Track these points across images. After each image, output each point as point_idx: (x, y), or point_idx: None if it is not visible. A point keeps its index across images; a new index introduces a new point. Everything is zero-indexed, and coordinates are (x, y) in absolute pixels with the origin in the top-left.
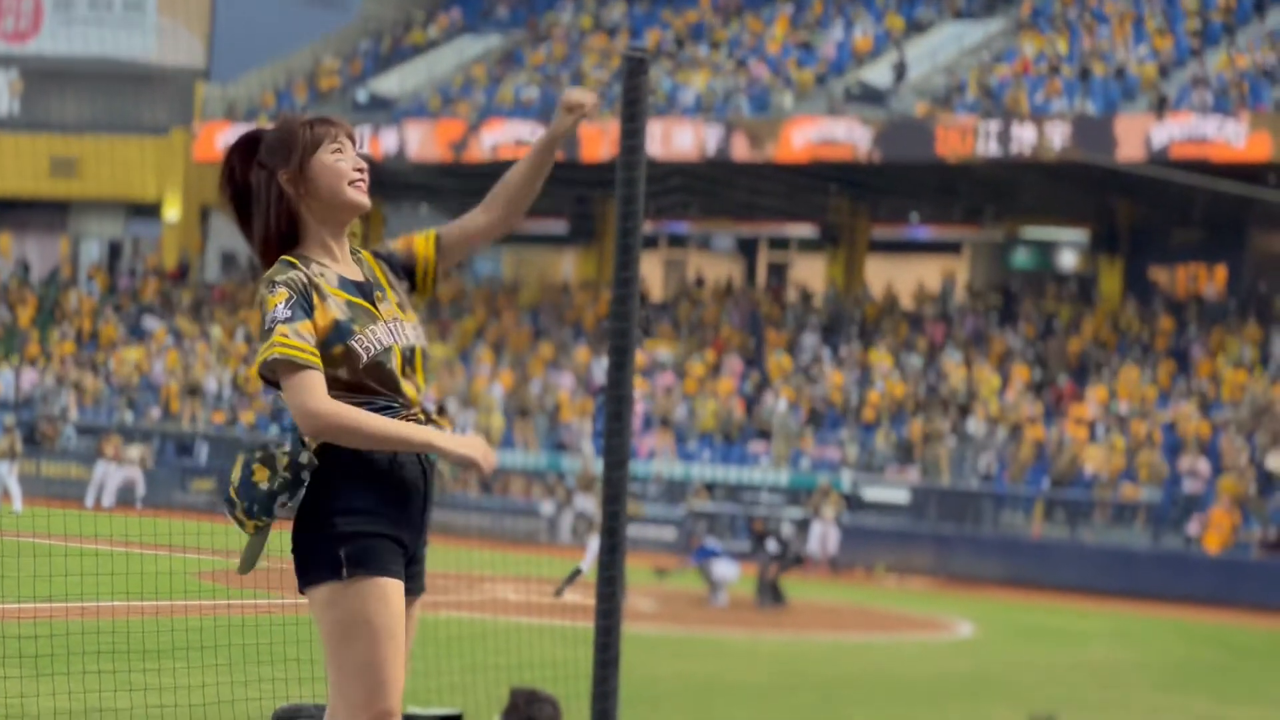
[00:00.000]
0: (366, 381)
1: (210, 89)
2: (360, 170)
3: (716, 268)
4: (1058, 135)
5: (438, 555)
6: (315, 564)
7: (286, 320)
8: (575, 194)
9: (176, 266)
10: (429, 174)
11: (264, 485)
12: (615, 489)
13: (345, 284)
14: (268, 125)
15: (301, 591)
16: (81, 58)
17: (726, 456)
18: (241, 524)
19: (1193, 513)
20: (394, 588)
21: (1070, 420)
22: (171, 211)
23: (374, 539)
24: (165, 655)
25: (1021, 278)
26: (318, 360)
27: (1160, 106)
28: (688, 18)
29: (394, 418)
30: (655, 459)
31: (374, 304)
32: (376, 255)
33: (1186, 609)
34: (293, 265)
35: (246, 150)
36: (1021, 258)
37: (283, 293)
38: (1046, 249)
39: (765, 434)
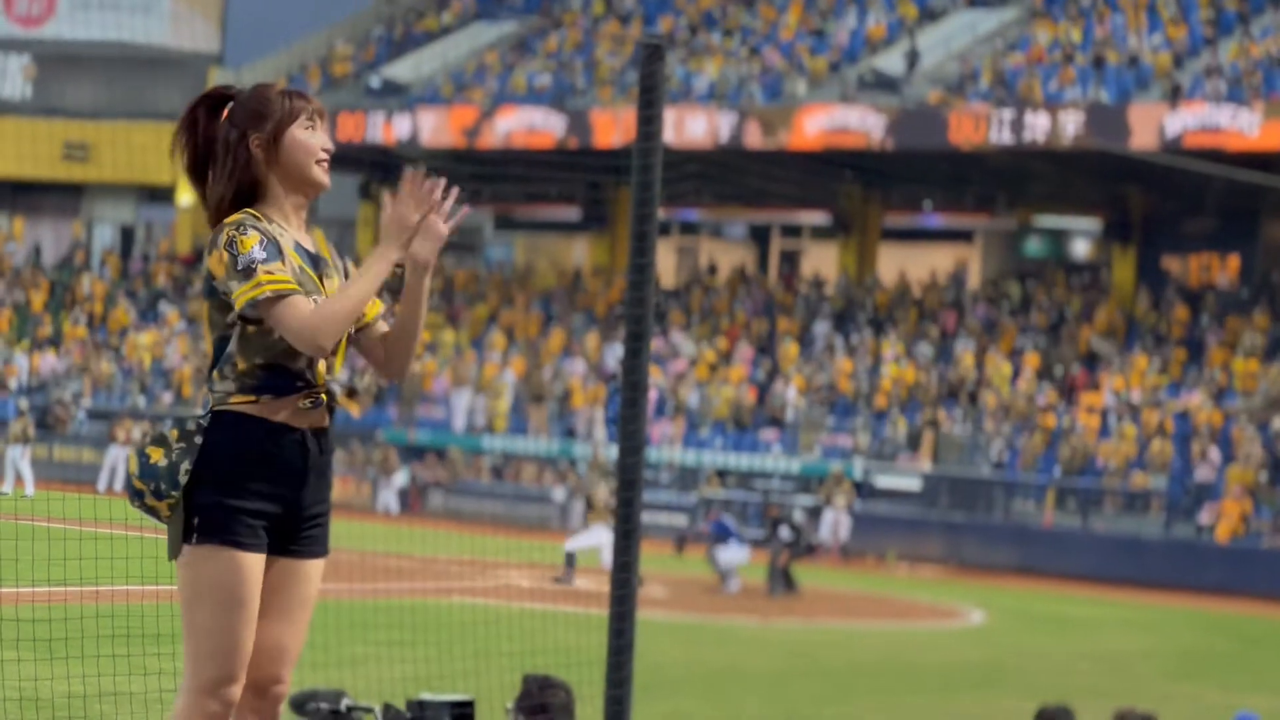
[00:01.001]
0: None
1: (224, 74)
2: (327, 150)
3: (729, 255)
4: (1071, 124)
5: (450, 542)
6: (175, 531)
7: (264, 261)
8: (588, 180)
9: (189, 251)
10: (442, 160)
11: (163, 462)
12: (630, 475)
13: (300, 250)
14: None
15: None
16: (95, 42)
17: (738, 444)
18: (155, 511)
19: (1204, 502)
20: (245, 559)
21: (1082, 409)
22: (185, 196)
23: (230, 511)
24: (178, 639)
25: (1034, 266)
26: (296, 286)
27: (1174, 95)
28: (701, 4)
29: (293, 394)
30: (667, 446)
31: (320, 278)
32: (328, 240)
33: (1198, 598)
34: (256, 219)
35: (214, 106)
36: (1034, 246)
37: (255, 235)
38: (1059, 237)
39: (776, 421)
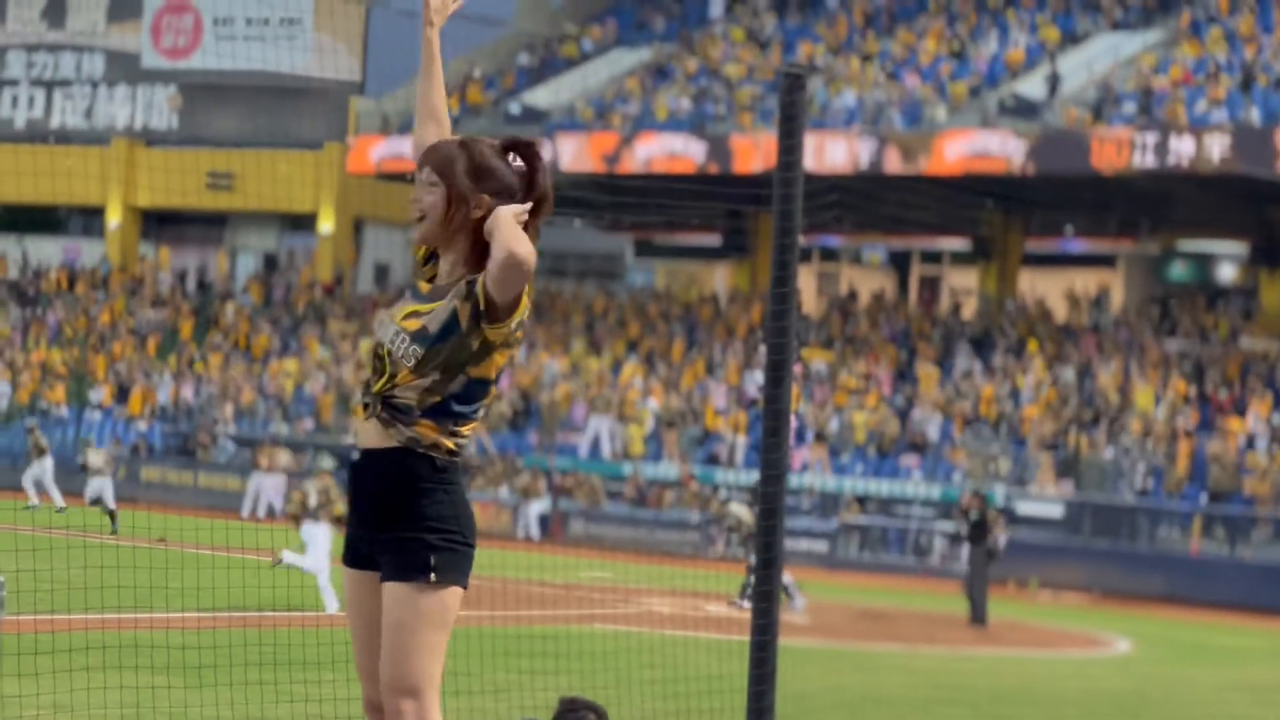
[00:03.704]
0: None
1: (364, 103)
2: (413, 202)
3: (869, 281)
4: (1217, 147)
5: (590, 569)
6: None
7: None
8: (728, 208)
9: (331, 278)
10: (582, 186)
11: None
12: (772, 503)
13: (413, 293)
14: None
15: None
16: (239, 72)
17: (879, 469)
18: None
19: None
20: (347, 577)
21: (1229, 434)
22: (326, 224)
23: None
24: (325, 666)
25: (1178, 290)
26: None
27: None
28: (840, 30)
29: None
30: (808, 471)
31: (405, 299)
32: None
33: None
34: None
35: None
36: (1178, 270)
37: None
38: (1204, 262)
39: (917, 447)
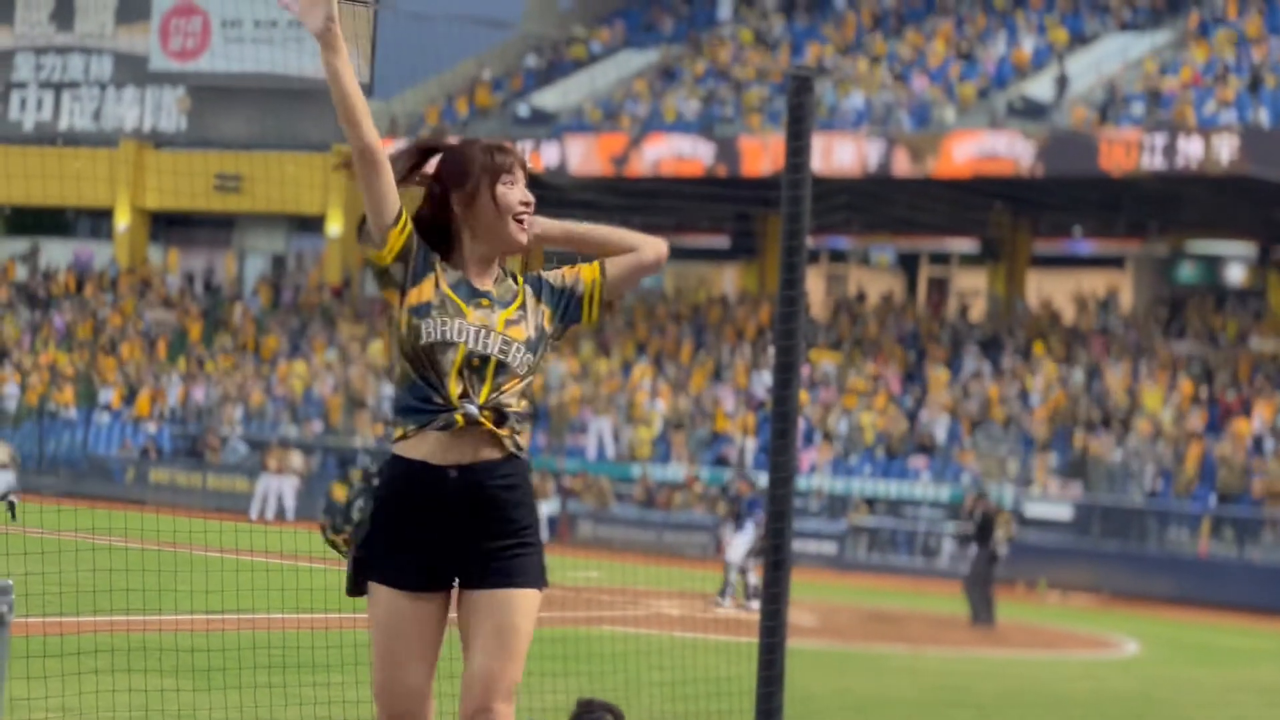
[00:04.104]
0: (420, 358)
1: (373, 104)
2: (526, 205)
3: (877, 283)
4: (1225, 148)
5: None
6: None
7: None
8: (736, 209)
9: (339, 281)
10: (590, 188)
11: (340, 499)
12: (780, 505)
13: (459, 285)
14: (444, 137)
15: None
16: (247, 74)
17: (887, 471)
18: (335, 545)
19: None
20: (386, 593)
21: (1238, 435)
22: (334, 226)
23: (381, 547)
24: (333, 669)
25: (1187, 292)
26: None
27: None
28: (848, 32)
29: (432, 411)
30: (816, 473)
31: (469, 306)
32: (526, 278)
33: None
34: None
35: (425, 155)
36: (1187, 272)
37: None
38: (1213, 263)
39: (925, 448)
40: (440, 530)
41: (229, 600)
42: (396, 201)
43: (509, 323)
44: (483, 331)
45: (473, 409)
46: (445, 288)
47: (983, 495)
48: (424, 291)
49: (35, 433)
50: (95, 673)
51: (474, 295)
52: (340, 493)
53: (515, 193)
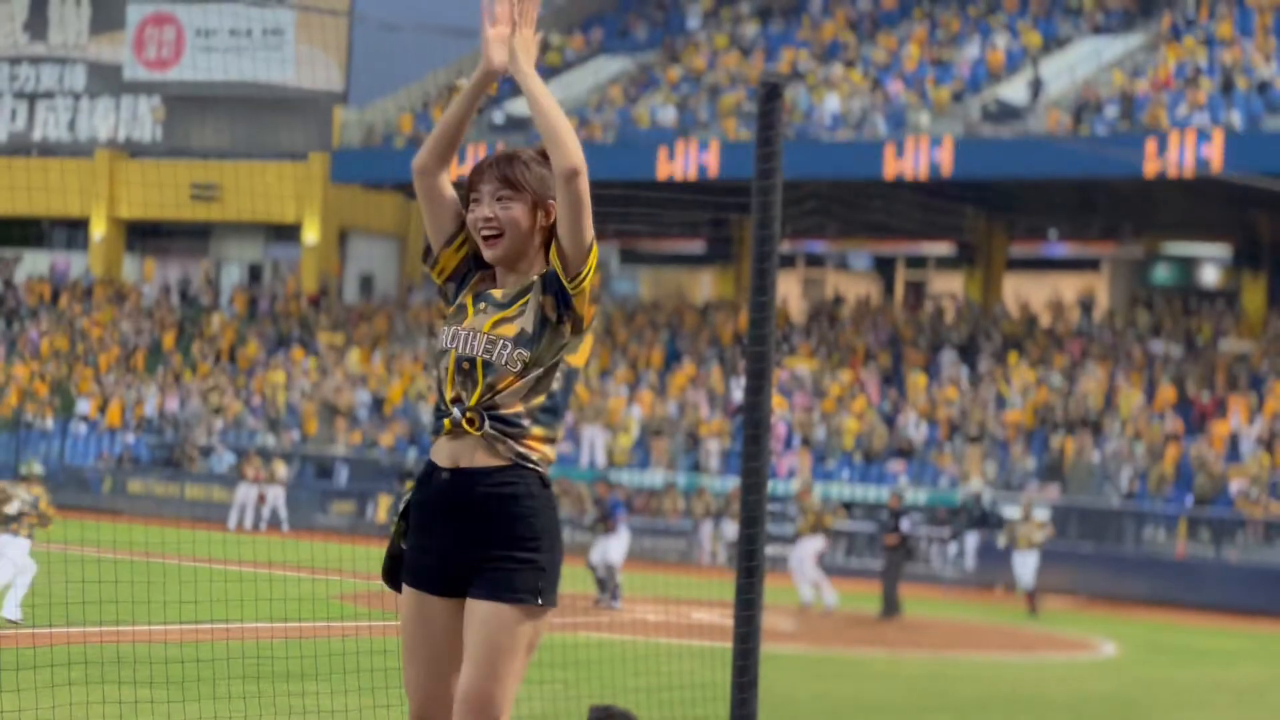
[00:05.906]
0: (436, 365)
1: (348, 113)
2: (485, 221)
3: (854, 286)
4: (1199, 150)
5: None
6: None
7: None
8: (711, 215)
9: (316, 289)
10: None
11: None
12: (753, 511)
13: (481, 295)
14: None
15: None
16: (221, 83)
17: (865, 475)
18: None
19: None
20: (405, 591)
21: (1214, 437)
22: (310, 234)
23: (407, 546)
24: (309, 678)
25: (1162, 294)
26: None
27: None
28: (822, 36)
29: (439, 416)
30: (795, 478)
31: (473, 311)
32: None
33: None
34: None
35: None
36: (1162, 274)
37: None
38: (1188, 265)
39: (904, 452)
40: (439, 534)
41: (205, 611)
42: (449, 224)
43: (501, 321)
44: (469, 334)
45: (456, 412)
46: (466, 298)
47: (897, 494)
48: (452, 306)
49: (11, 444)
50: (69, 685)
51: (479, 300)
52: (409, 487)
53: (479, 210)
